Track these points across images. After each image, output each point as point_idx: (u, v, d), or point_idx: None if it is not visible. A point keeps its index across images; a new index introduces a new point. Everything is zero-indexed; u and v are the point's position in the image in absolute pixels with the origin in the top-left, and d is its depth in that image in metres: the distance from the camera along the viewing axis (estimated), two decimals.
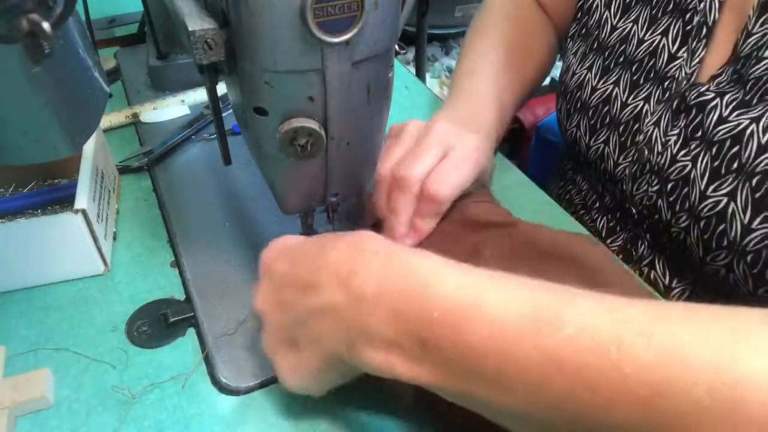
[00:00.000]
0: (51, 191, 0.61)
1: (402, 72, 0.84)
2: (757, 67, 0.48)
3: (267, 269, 0.41)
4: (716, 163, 0.50)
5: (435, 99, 0.78)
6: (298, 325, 0.38)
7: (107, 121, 0.71)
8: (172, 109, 0.74)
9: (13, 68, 0.34)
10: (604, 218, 0.66)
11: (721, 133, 0.50)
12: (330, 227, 0.53)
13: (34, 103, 0.37)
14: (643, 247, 0.61)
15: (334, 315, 0.36)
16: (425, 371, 0.33)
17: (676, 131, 0.54)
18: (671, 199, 0.54)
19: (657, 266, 0.60)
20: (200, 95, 0.76)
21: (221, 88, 0.46)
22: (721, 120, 0.50)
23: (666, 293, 0.58)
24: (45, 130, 0.40)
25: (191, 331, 0.49)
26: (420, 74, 1.57)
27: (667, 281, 0.59)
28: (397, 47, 0.41)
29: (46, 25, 0.29)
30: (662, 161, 0.55)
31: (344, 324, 0.36)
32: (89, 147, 0.56)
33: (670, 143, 0.54)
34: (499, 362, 0.31)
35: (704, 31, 0.53)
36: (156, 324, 0.49)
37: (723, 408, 0.26)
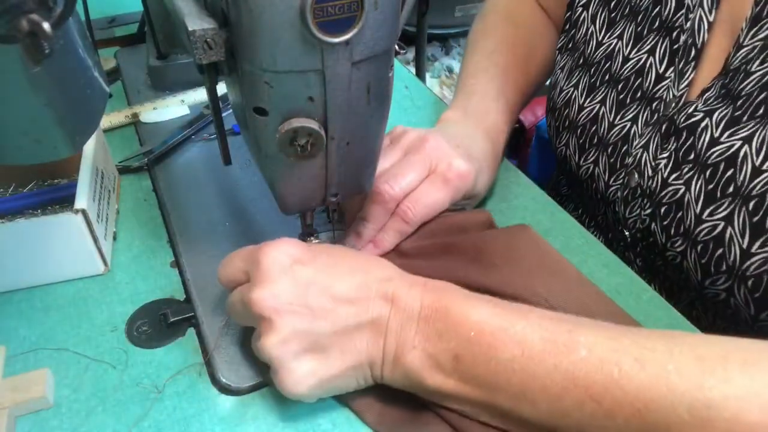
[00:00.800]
0: (51, 191, 0.61)
1: (402, 72, 0.84)
2: (747, 82, 0.48)
3: (286, 270, 0.41)
4: (710, 187, 0.49)
5: (435, 99, 0.78)
6: (333, 333, 0.40)
7: (107, 121, 0.71)
8: (172, 109, 0.74)
9: (14, 68, 0.34)
10: (601, 237, 0.65)
11: (714, 155, 0.49)
12: (330, 227, 0.53)
13: (34, 104, 0.37)
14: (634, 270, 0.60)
15: (378, 329, 0.40)
16: (452, 382, 0.39)
17: (666, 154, 0.53)
18: (665, 222, 0.53)
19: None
20: (200, 95, 0.76)
21: (221, 88, 0.46)
22: (714, 142, 0.49)
23: None
24: (45, 130, 0.40)
25: (191, 331, 0.49)
26: (420, 74, 1.57)
27: None
28: (397, 47, 0.41)
29: (46, 25, 0.29)
30: (653, 185, 0.54)
31: (389, 338, 0.40)
32: (89, 147, 0.56)
33: (660, 167, 0.53)
34: (525, 377, 0.37)
35: (693, 52, 0.52)
36: (156, 324, 0.49)
37: (699, 424, 0.33)
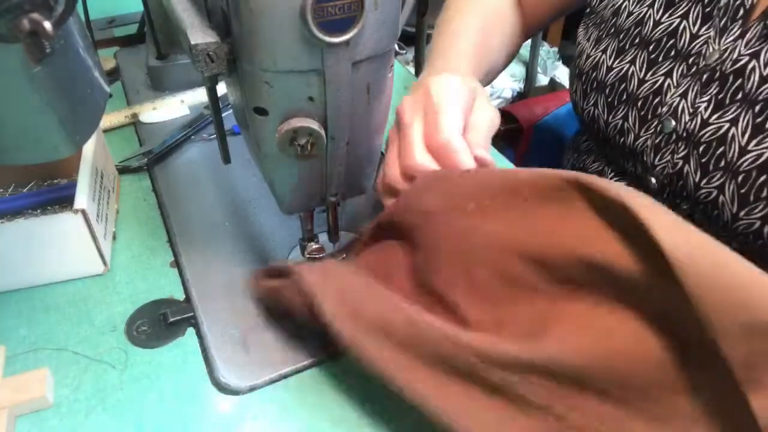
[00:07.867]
0: (51, 191, 0.61)
1: (402, 72, 0.84)
2: None
3: None
4: (759, 120, 0.52)
5: None
6: None
7: (107, 121, 0.71)
8: (172, 109, 0.74)
9: (14, 68, 0.34)
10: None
11: (765, 92, 0.52)
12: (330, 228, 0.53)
13: (34, 103, 0.37)
14: None
15: None
16: None
17: (707, 98, 0.56)
18: (703, 160, 0.56)
19: None
20: (200, 95, 0.76)
21: (221, 88, 0.46)
22: (764, 80, 0.52)
23: None
24: (45, 130, 0.40)
25: (191, 331, 0.49)
26: (419, 74, 1.57)
27: None
28: (396, 47, 0.41)
29: (47, 25, 0.29)
30: (692, 127, 0.57)
31: None
32: (89, 147, 0.56)
33: (700, 110, 0.56)
34: None
35: (741, 11, 0.55)
36: (156, 324, 0.49)
37: None
